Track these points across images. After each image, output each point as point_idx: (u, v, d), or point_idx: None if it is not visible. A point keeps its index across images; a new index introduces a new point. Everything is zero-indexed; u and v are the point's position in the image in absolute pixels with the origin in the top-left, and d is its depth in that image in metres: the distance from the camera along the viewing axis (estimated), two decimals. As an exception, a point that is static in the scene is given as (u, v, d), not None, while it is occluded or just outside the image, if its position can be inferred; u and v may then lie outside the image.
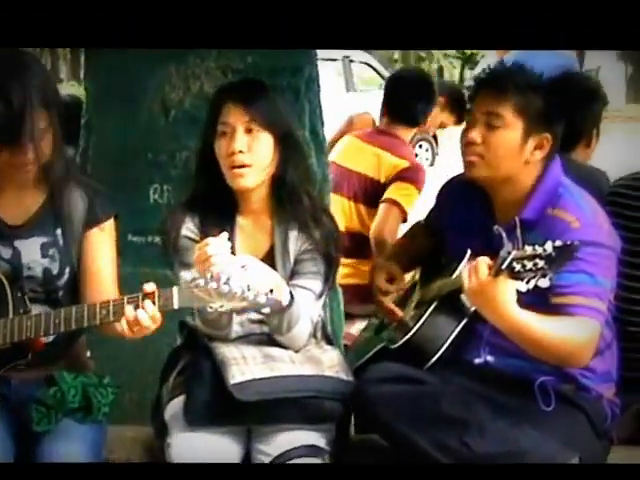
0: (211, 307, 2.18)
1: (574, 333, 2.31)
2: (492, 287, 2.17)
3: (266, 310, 2.21)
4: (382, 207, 3.86)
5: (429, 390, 2.40)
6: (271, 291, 2.19)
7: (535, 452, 2.23)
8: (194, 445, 2.42)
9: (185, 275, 2.51)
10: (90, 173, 3.15)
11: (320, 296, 2.58)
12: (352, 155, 3.99)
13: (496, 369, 2.46)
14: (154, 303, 2.22)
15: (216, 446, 2.44)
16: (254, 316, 2.57)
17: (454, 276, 2.51)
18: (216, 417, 2.43)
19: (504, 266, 2.12)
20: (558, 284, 2.27)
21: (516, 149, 2.44)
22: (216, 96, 2.59)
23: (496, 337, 2.43)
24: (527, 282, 2.09)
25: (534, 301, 2.26)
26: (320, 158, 3.18)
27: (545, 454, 2.24)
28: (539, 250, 2.07)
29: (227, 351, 2.48)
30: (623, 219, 2.65)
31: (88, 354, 2.85)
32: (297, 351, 2.54)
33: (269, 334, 2.56)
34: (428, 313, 2.52)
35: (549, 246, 2.06)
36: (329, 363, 2.55)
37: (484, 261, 2.20)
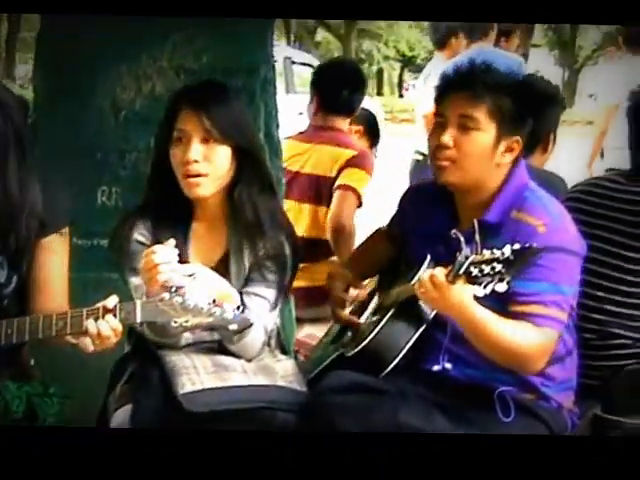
0: (175, 322, 2.13)
1: (531, 339, 2.28)
2: (449, 294, 2.15)
3: (233, 327, 2.15)
4: (336, 194, 3.81)
5: (386, 400, 2.36)
6: (238, 307, 2.15)
7: None
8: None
9: (134, 280, 2.45)
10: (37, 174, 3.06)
11: (275, 304, 2.53)
12: (295, 158, 3.93)
13: (455, 378, 2.42)
14: (115, 316, 2.16)
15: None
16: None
17: (412, 282, 2.46)
18: (163, 427, 2.36)
19: (461, 271, 2.09)
20: (518, 292, 2.25)
21: (488, 152, 2.41)
22: (173, 100, 2.51)
23: (455, 345, 2.41)
24: (484, 287, 2.06)
25: (492, 308, 2.24)
26: (274, 161, 3.14)
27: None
28: (497, 254, 2.04)
29: (177, 360, 2.42)
30: (581, 225, 2.62)
31: (32, 362, 2.75)
32: (250, 360, 2.49)
33: (220, 342, 2.50)
34: (385, 320, 2.47)
35: (507, 250, 2.04)
36: (282, 373, 2.50)
37: (440, 269, 2.17)
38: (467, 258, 2.09)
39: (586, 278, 2.63)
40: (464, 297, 2.16)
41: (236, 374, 2.42)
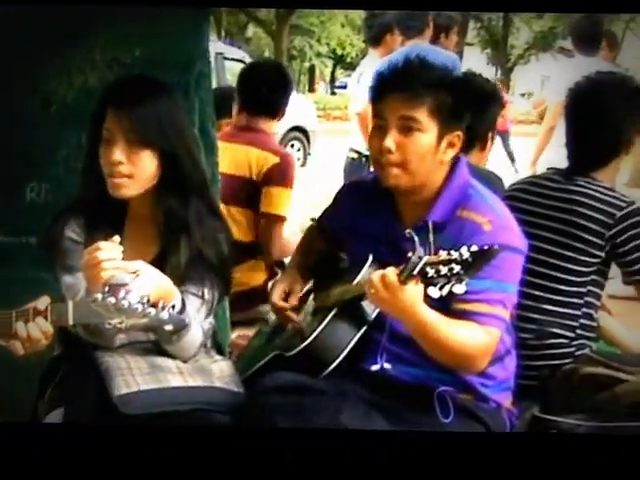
0: (109, 324, 2.10)
1: (476, 339, 2.30)
2: (401, 295, 2.14)
3: (168, 327, 2.14)
4: (263, 224, 3.83)
5: (326, 401, 2.36)
6: (173, 307, 2.13)
7: None
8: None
9: (67, 279, 2.42)
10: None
11: (212, 303, 2.51)
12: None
13: (393, 378, 2.42)
14: (46, 318, 2.12)
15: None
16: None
17: (355, 282, 2.46)
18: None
19: (416, 271, 2.08)
20: None
21: (432, 152, 2.40)
22: (101, 97, 2.46)
23: (394, 345, 2.42)
24: (440, 288, 2.05)
25: (435, 306, 2.24)
26: (210, 158, 3.10)
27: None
28: (455, 255, 2.03)
29: (112, 361, 2.39)
30: (519, 224, 2.65)
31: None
32: (185, 361, 2.47)
33: (156, 342, 2.48)
34: (327, 320, 2.46)
35: (465, 251, 2.03)
36: (219, 374, 2.49)
37: (392, 269, 2.15)
38: (421, 258, 2.07)
39: (524, 277, 2.66)
40: (415, 299, 2.15)
41: (172, 375, 2.40)
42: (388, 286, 2.15)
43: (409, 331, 2.28)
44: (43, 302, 2.12)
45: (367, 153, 5.79)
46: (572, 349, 2.90)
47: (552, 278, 2.91)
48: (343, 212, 2.66)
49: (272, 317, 2.92)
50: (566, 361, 2.86)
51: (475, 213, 2.40)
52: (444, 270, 2.03)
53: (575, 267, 2.90)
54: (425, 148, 2.39)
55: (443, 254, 2.07)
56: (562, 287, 2.91)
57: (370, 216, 2.53)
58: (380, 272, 2.18)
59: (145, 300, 2.09)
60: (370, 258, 2.48)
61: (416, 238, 2.18)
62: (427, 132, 2.39)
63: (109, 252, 2.21)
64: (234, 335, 3.48)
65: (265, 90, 3.94)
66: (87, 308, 2.10)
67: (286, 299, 2.66)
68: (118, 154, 2.37)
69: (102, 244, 2.23)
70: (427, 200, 2.45)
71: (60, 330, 2.51)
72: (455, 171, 2.47)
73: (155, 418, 2.32)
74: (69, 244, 2.46)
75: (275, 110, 3.98)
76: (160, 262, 2.46)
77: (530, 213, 2.98)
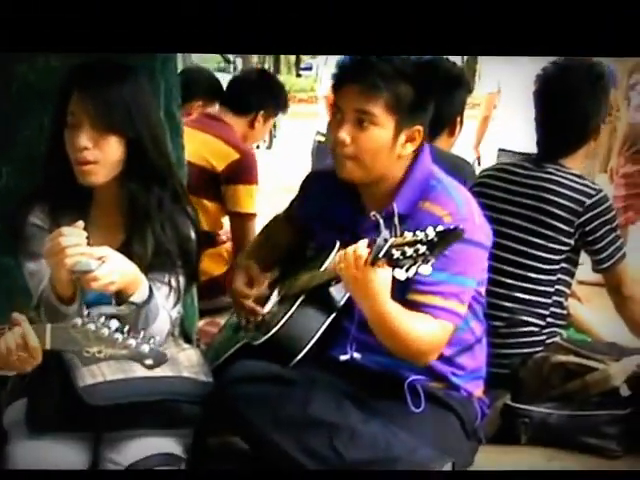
0: (87, 352, 2.04)
1: (429, 333, 2.27)
2: (367, 276, 2.10)
3: (148, 362, 2.07)
4: (234, 224, 3.86)
5: (296, 390, 2.34)
6: (151, 340, 2.07)
7: (408, 458, 2.20)
8: (35, 454, 2.28)
9: (30, 266, 2.37)
10: None
11: (179, 291, 2.48)
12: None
13: (364, 366, 2.41)
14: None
15: (61, 455, 2.30)
16: (105, 310, 2.44)
17: (323, 268, 2.44)
18: (62, 423, 2.30)
19: (381, 254, 2.04)
20: (419, 280, 2.23)
21: (388, 147, 2.37)
22: (66, 79, 2.39)
23: (363, 333, 2.39)
24: (407, 270, 2.01)
25: (393, 296, 2.20)
26: (176, 141, 3.06)
27: (418, 461, 2.21)
28: (420, 235, 2.00)
29: (76, 351, 2.34)
30: (488, 211, 2.65)
31: None
32: (152, 350, 2.43)
33: None
34: (294, 307, 2.45)
35: (431, 231, 1.99)
36: (187, 363, 2.45)
37: (364, 246, 2.11)
38: (387, 241, 2.04)
39: (494, 265, 2.67)
40: (383, 285, 2.12)
41: (138, 365, 2.36)
42: (358, 261, 2.10)
43: (367, 317, 2.23)
44: (19, 318, 2.08)
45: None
46: (543, 337, 2.91)
47: (522, 266, 2.92)
48: (309, 201, 2.65)
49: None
50: (537, 349, 2.88)
51: (436, 205, 2.37)
52: (410, 251, 2.00)
53: (545, 255, 2.91)
54: (380, 143, 2.36)
55: (408, 235, 2.03)
56: (532, 275, 2.92)
57: (335, 205, 2.51)
58: (352, 246, 2.13)
59: (126, 330, 2.04)
60: (337, 245, 2.46)
61: (381, 221, 2.13)
62: (383, 127, 2.35)
63: (73, 238, 2.16)
64: (201, 323, 3.46)
65: (248, 88, 3.94)
66: (65, 334, 2.04)
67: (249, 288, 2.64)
68: (84, 140, 2.31)
69: (65, 229, 2.17)
70: (389, 192, 2.43)
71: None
72: (417, 163, 2.44)
73: (122, 409, 2.28)
74: (33, 230, 2.41)
75: (248, 108, 3.95)
76: (126, 250, 2.42)
77: (500, 200, 2.98)
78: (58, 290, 2.24)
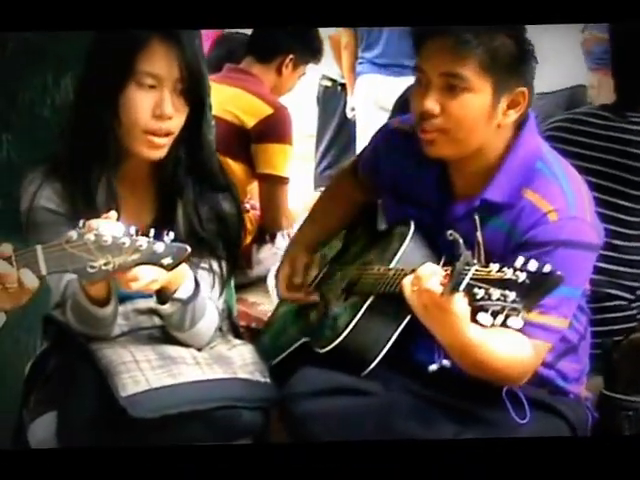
0: (92, 267, 1.71)
1: (518, 358, 1.95)
2: (443, 306, 1.77)
3: (167, 261, 1.74)
4: (264, 188, 3.52)
5: (374, 403, 2.04)
6: (167, 233, 1.75)
7: None
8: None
9: None
10: None
11: (222, 277, 2.19)
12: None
13: (455, 373, 2.03)
14: (11, 264, 1.73)
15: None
16: (142, 305, 2.17)
17: (394, 263, 2.10)
18: (103, 440, 2.00)
19: (462, 287, 1.70)
20: None
21: (486, 115, 2.00)
22: (138, 33, 2.05)
23: None
24: (493, 316, 1.68)
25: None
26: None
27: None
28: (508, 274, 1.66)
29: (113, 354, 2.06)
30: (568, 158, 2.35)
31: None
32: (200, 349, 2.15)
33: (162, 327, 2.16)
34: (364, 308, 2.11)
35: (522, 273, 1.65)
36: (240, 362, 2.17)
37: (432, 283, 1.76)
38: (467, 267, 1.70)
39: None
40: (461, 311, 1.77)
41: (187, 367, 2.07)
42: (430, 296, 1.77)
43: (444, 346, 1.91)
44: (5, 248, 1.74)
45: (343, 81, 5.48)
46: (633, 312, 2.64)
47: (605, 231, 2.64)
48: (381, 164, 2.29)
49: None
50: (629, 325, 2.60)
51: (540, 196, 2.01)
52: (496, 294, 1.67)
53: (631, 218, 2.63)
54: (476, 111, 2.00)
55: (494, 269, 1.69)
56: (617, 242, 2.63)
57: (414, 178, 2.17)
58: (423, 273, 1.79)
59: (133, 230, 1.73)
60: (411, 229, 2.15)
61: (460, 241, 1.76)
62: (478, 92, 1.99)
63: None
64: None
65: (278, 33, 3.62)
66: (61, 252, 1.72)
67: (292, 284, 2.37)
68: (169, 107, 2.03)
69: (98, 223, 1.82)
70: (485, 170, 2.07)
71: (45, 320, 2.20)
72: (521, 136, 2.07)
73: (172, 421, 2.00)
74: (45, 216, 2.11)
75: (277, 55, 3.63)
76: (156, 231, 2.12)
77: (574, 156, 2.65)
78: (90, 291, 1.97)
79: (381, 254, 2.21)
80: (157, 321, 2.16)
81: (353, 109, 5.39)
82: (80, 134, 2.10)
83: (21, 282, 1.69)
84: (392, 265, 2.10)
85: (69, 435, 2.01)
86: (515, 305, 1.66)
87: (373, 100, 5.15)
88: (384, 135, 2.33)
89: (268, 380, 2.17)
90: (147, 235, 1.76)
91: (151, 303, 2.13)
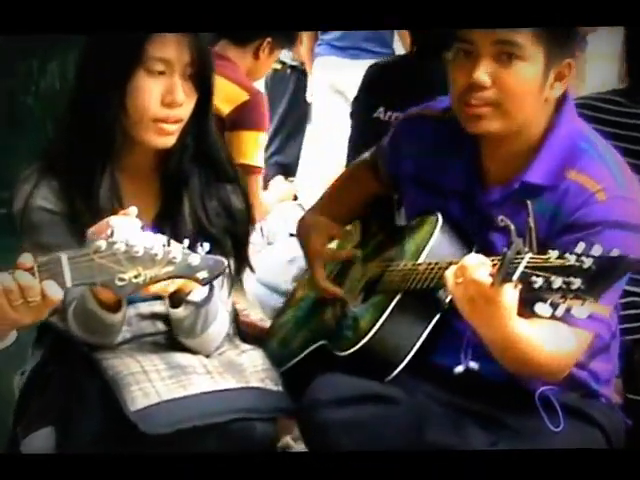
0: (122, 280, 1.57)
1: (562, 349, 1.86)
2: (491, 298, 1.66)
3: (202, 275, 1.59)
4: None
5: (401, 411, 1.93)
6: (201, 245, 1.60)
7: None
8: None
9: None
10: None
11: (231, 277, 2.07)
12: None
13: (481, 377, 1.96)
14: (33, 275, 1.58)
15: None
16: (144, 310, 2.04)
17: (422, 259, 1.99)
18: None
19: (515, 276, 1.60)
20: None
21: (537, 87, 1.91)
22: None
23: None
24: (553, 306, 1.57)
25: None
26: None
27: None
28: (571, 260, 1.55)
29: (119, 364, 1.93)
30: None
31: None
32: (209, 355, 2.03)
33: (167, 333, 2.03)
34: (390, 309, 2.00)
35: (587, 258, 1.54)
36: (252, 368, 2.06)
37: (480, 273, 1.66)
38: (520, 256, 1.60)
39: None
40: (509, 303, 1.67)
41: (198, 377, 1.95)
42: (478, 288, 1.67)
43: (486, 341, 1.81)
44: (26, 258, 1.59)
45: (293, 63, 5.35)
46: None
47: None
48: (402, 152, 2.18)
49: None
50: (640, 324, 2.52)
51: (586, 176, 1.91)
52: (558, 282, 1.55)
53: None
54: (529, 83, 1.90)
55: (553, 256, 1.58)
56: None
57: (440, 166, 2.06)
58: (467, 264, 1.68)
59: (165, 241, 1.59)
60: (439, 221, 2.04)
61: (512, 227, 1.66)
62: (532, 61, 1.90)
63: (127, 234, 1.72)
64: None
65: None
66: (89, 262, 1.57)
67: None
68: (180, 94, 1.93)
69: (116, 220, 1.71)
70: (523, 151, 1.97)
71: (40, 328, 2.06)
72: (563, 112, 1.98)
73: (185, 436, 1.87)
74: (41, 216, 1.98)
75: (255, 38, 3.48)
76: (160, 224, 1.99)
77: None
78: (101, 294, 1.83)
79: (404, 249, 2.11)
80: (161, 326, 2.04)
81: (312, 94, 5.29)
82: (80, 127, 1.98)
83: (45, 295, 1.55)
84: (421, 260, 2.00)
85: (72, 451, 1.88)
86: (581, 293, 1.55)
87: (329, 83, 5.06)
88: (404, 124, 2.23)
89: (280, 388, 2.06)
90: (161, 232, 1.63)
91: (155, 307, 2.02)
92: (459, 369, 1.95)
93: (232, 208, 2.08)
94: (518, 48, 1.88)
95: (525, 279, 1.59)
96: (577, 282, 1.54)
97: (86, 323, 1.91)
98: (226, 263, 1.65)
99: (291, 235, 2.92)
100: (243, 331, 2.22)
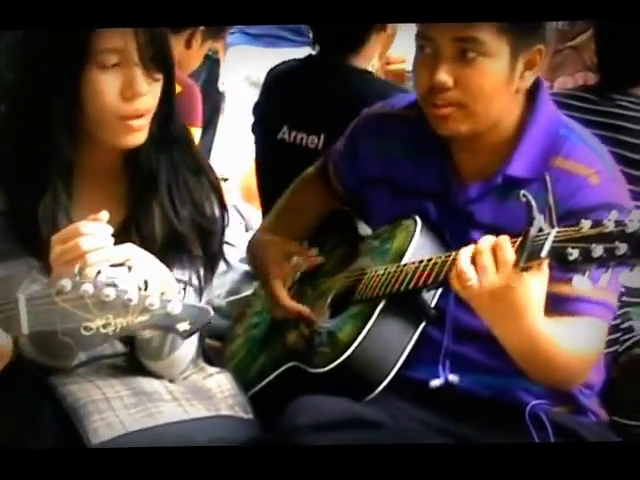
0: (87, 329, 1.40)
1: (586, 349, 1.80)
2: (516, 286, 1.59)
3: (183, 327, 1.44)
4: None
5: (383, 435, 1.79)
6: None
7: None
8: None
9: None
10: None
11: (200, 292, 1.90)
12: None
13: (463, 391, 1.87)
14: None
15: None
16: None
17: (405, 260, 1.89)
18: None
19: (544, 252, 1.52)
20: None
21: (504, 81, 1.83)
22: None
23: (459, 345, 1.87)
24: (590, 276, 1.49)
25: None
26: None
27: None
28: (609, 226, 1.47)
29: (78, 390, 1.75)
30: None
31: None
32: (173, 380, 1.86)
33: (126, 354, 1.86)
34: (376, 314, 1.88)
35: (632, 223, 1.46)
36: (220, 394, 1.90)
37: (506, 248, 1.58)
38: (543, 232, 1.54)
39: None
40: (536, 294, 1.60)
41: (165, 404, 1.79)
42: (502, 265, 1.58)
43: (503, 341, 1.73)
44: None
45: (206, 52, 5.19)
46: (616, 320, 2.47)
47: None
48: (361, 158, 2.07)
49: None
50: (615, 337, 2.42)
51: (574, 161, 1.85)
52: (599, 251, 1.47)
53: None
54: (495, 79, 1.82)
55: (585, 225, 1.50)
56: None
57: (410, 166, 1.97)
58: (484, 245, 1.61)
59: (143, 284, 1.43)
60: (418, 225, 1.93)
61: (533, 203, 1.59)
62: (496, 56, 1.81)
63: (97, 238, 1.55)
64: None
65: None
66: (50, 306, 1.40)
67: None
68: (144, 84, 1.75)
69: (86, 226, 1.56)
70: (499, 145, 1.89)
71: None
72: (539, 101, 1.91)
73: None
74: None
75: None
76: (126, 233, 1.81)
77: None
78: None
79: (379, 257, 2.00)
80: (120, 347, 1.86)
81: (223, 83, 5.14)
82: (25, 133, 1.80)
83: None
84: (402, 262, 1.90)
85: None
86: (627, 259, 1.47)
87: (244, 75, 4.92)
88: (362, 126, 2.11)
89: (251, 416, 1.90)
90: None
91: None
92: (436, 383, 1.86)
93: (204, 215, 1.91)
94: (480, 45, 1.80)
95: (556, 254, 1.52)
96: (623, 247, 1.46)
97: (41, 345, 1.72)
98: (212, 313, 1.48)
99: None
100: (207, 353, 2.05)
